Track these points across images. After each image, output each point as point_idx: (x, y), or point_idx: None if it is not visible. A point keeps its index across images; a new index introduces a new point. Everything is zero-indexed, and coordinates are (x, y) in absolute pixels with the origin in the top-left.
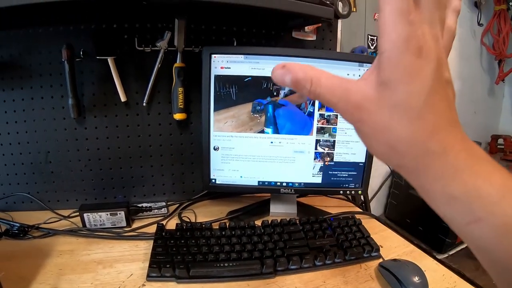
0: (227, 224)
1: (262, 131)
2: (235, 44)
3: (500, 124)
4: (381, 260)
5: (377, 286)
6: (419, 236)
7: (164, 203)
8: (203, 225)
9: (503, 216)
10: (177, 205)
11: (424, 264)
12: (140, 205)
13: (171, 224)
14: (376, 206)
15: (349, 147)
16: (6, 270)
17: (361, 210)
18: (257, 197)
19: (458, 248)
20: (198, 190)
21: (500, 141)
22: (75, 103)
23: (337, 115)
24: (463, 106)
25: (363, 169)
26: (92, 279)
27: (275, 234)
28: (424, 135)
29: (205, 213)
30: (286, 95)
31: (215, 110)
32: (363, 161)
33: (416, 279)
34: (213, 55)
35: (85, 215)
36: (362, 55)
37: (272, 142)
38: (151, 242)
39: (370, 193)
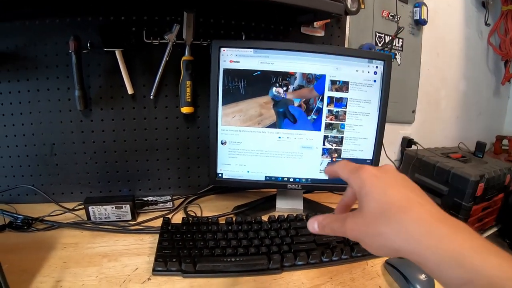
0: (234, 219)
1: (270, 126)
2: (243, 38)
3: (505, 125)
4: (387, 257)
5: (384, 283)
6: None
7: (169, 197)
8: (210, 220)
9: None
10: (183, 199)
11: None
12: (145, 198)
13: (177, 218)
14: None
15: (357, 143)
16: (10, 262)
17: None
18: (263, 193)
19: None
20: (203, 185)
21: (505, 142)
22: (82, 95)
23: (345, 111)
24: (468, 106)
25: None
26: (97, 272)
27: (282, 230)
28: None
29: (211, 208)
30: (294, 90)
31: (223, 104)
32: (371, 158)
33: (422, 276)
34: (222, 49)
35: (90, 208)
36: (372, 52)
37: (280, 137)
38: (156, 236)
39: None
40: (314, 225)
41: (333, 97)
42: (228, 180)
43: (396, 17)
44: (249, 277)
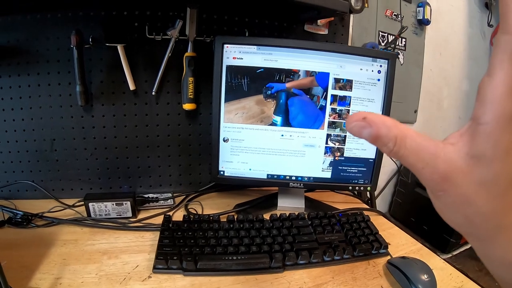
0: (235, 217)
1: (272, 123)
2: (247, 35)
3: None
4: (389, 257)
5: (386, 283)
6: (423, 235)
7: (170, 195)
8: (211, 217)
9: None
10: (184, 196)
11: (431, 263)
12: (146, 195)
13: (178, 215)
14: (381, 204)
15: (360, 142)
16: (9, 259)
17: (368, 207)
18: (264, 191)
19: (462, 249)
20: (205, 182)
21: None
22: (83, 90)
23: (349, 109)
24: (470, 107)
25: (373, 166)
26: (97, 269)
27: (284, 228)
28: (503, 211)
29: (212, 206)
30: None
31: (225, 101)
32: (373, 157)
33: (424, 277)
34: (225, 45)
35: (90, 204)
36: (376, 50)
37: (282, 135)
38: (157, 234)
39: (376, 190)
40: (368, 123)
41: (336, 96)
42: (230, 177)
43: (399, 16)
44: (250, 276)
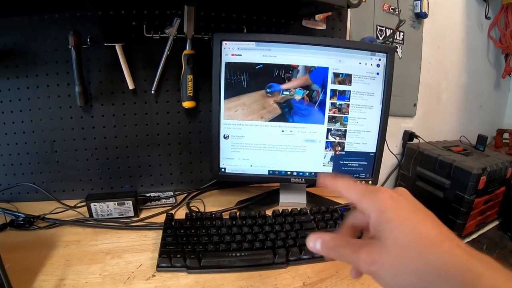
0: (238, 214)
1: (274, 119)
2: (245, 31)
3: (505, 118)
4: None
5: None
6: None
7: (172, 193)
8: (213, 215)
9: None
10: (185, 194)
11: None
12: (147, 194)
13: (180, 214)
14: None
15: (360, 136)
16: (12, 261)
17: None
18: (265, 187)
19: None
20: (206, 180)
21: (506, 135)
22: (82, 90)
23: (348, 104)
24: (469, 99)
25: (374, 159)
26: (100, 269)
27: (287, 224)
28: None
29: (214, 203)
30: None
31: (225, 98)
32: (374, 151)
33: None
34: (224, 42)
35: (92, 205)
36: (374, 44)
37: (283, 131)
38: (159, 232)
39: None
40: (316, 243)
41: (336, 90)
42: (231, 174)
43: (397, 10)
44: (254, 271)
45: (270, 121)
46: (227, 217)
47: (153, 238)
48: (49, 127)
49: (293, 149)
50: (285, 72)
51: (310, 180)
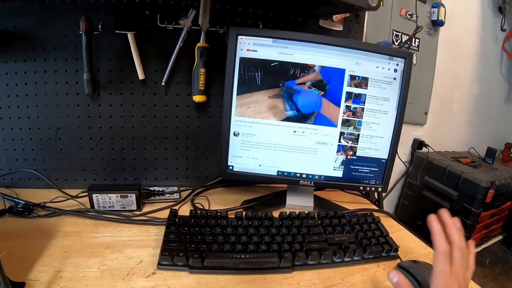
0: (244, 214)
1: (285, 119)
2: (260, 27)
3: None
4: (399, 260)
5: None
6: (429, 239)
7: (176, 188)
8: (219, 213)
9: None
10: (190, 191)
11: None
12: (151, 188)
13: (183, 210)
14: (387, 205)
15: (373, 142)
16: (9, 249)
17: (377, 208)
18: (272, 188)
19: None
20: (212, 177)
21: None
22: (90, 78)
23: (363, 108)
24: (480, 111)
25: (385, 166)
26: (99, 263)
27: (293, 227)
28: None
29: (219, 201)
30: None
31: (238, 94)
32: (386, 157)
33: None
34: (239, 36)
35: (94, 196)
36: (393, 48)
37: (295, 131)
38: (162, 228)
39: None
40: (394, 278)
41: (351, 93)
42: (239, 173)
43: (414, 16)
44: (258, 275)
45: (282, 120)
46: (233, 216)
47: (155, 234)
48: (55, 114)
49: (304, 151)
50: (301, 71)
51: (319, 183)
